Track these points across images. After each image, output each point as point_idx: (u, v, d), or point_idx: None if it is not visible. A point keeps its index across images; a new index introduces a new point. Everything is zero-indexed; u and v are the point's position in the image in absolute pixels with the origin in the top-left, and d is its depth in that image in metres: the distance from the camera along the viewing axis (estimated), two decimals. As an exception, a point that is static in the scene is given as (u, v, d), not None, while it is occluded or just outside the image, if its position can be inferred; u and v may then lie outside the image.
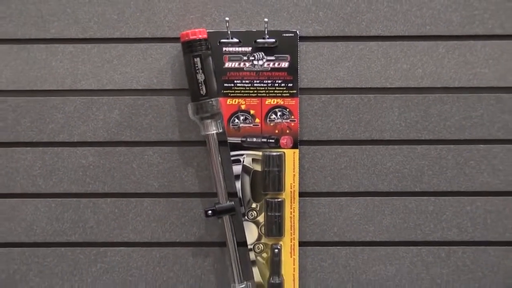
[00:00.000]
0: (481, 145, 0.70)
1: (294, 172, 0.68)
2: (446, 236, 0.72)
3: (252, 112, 0.68)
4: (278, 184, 0.67)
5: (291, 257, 0.69)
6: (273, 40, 0.67)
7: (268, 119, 0.68)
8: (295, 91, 0.68)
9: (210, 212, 0.66)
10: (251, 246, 0.69)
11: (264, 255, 0.69)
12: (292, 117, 0.68)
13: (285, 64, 0.67)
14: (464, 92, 0.69)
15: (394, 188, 0.71)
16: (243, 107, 0.68)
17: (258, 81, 0.67)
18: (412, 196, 0.71)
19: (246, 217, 0.68)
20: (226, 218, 0.68)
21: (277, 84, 0.67)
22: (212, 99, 0.66)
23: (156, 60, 0.69)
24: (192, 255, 0.72)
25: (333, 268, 0.72)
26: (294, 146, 0.68)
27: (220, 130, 0.67)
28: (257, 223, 0.68)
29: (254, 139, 0.68)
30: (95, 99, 0.70)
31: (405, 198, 0.71)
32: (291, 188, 0.68)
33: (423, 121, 0.70)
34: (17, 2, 0.69)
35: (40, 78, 0.70)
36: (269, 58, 0.67)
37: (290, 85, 0.67)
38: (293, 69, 0.67)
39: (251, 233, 0.69)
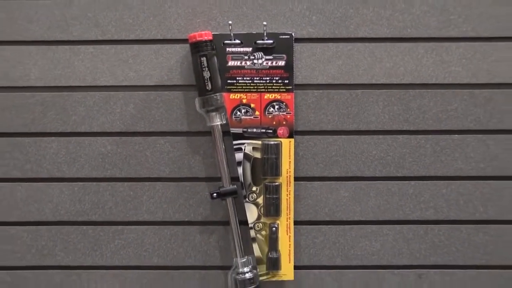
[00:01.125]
0: (456, 135, 0.72)
1: (290, 159, 0.70)
2: (424, 215, 0.73)
3: (252, 105, 0.70)
4: (275, 170, 0.69)
5: (287, 234, 0.71)
6: (271, 41, 0.68)
7: (266, 112, 0.70)
8: (291, 87, 0.69)
9: (215, 194, 0.68)
10: (252, 225, 0.71)
11: (263, 232, 0.71)
12: (288, 110, 0.69)
13: (282, 63, 0.69)
14: (441, 88, 0.71)
15: (378, 173, 0.72)
16: (244, 101, 0.70)
17: (257, 78, 0.69)
18: (394, 180, 0.73)
19: (247, 199, 0.70)
20: (229, 200, 0.69)
21: (274, 81, 0.69)
22: (217, 94, 0.67)
23: (167, 59, 0.71)
24: (199, 233, 0.74)
25: (324, 244, 0.74)
26: (290, 136, 0.70)
27: (224, 122, 0.69)
28: (257, 204, 0.71)
29: (254, 130, 0.70)
30: (112, 94, 0.72)
31: (388, 182, 0.73)
32: (287, 173, 0.70)
33: (405, 114, 0.71)
34: (44, 8, 0.70)
35: (64, 76, 0.72)
36: (267, 57, 0.69)
37: (286, 81, 0.69)
38: (289, 67, 0.69)
39: (252, 213, 0.71)
